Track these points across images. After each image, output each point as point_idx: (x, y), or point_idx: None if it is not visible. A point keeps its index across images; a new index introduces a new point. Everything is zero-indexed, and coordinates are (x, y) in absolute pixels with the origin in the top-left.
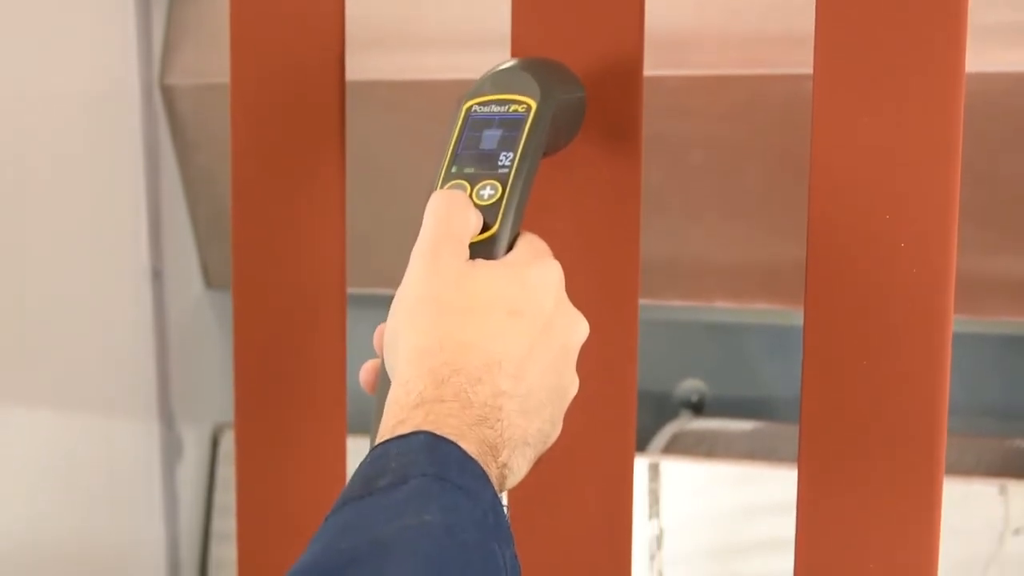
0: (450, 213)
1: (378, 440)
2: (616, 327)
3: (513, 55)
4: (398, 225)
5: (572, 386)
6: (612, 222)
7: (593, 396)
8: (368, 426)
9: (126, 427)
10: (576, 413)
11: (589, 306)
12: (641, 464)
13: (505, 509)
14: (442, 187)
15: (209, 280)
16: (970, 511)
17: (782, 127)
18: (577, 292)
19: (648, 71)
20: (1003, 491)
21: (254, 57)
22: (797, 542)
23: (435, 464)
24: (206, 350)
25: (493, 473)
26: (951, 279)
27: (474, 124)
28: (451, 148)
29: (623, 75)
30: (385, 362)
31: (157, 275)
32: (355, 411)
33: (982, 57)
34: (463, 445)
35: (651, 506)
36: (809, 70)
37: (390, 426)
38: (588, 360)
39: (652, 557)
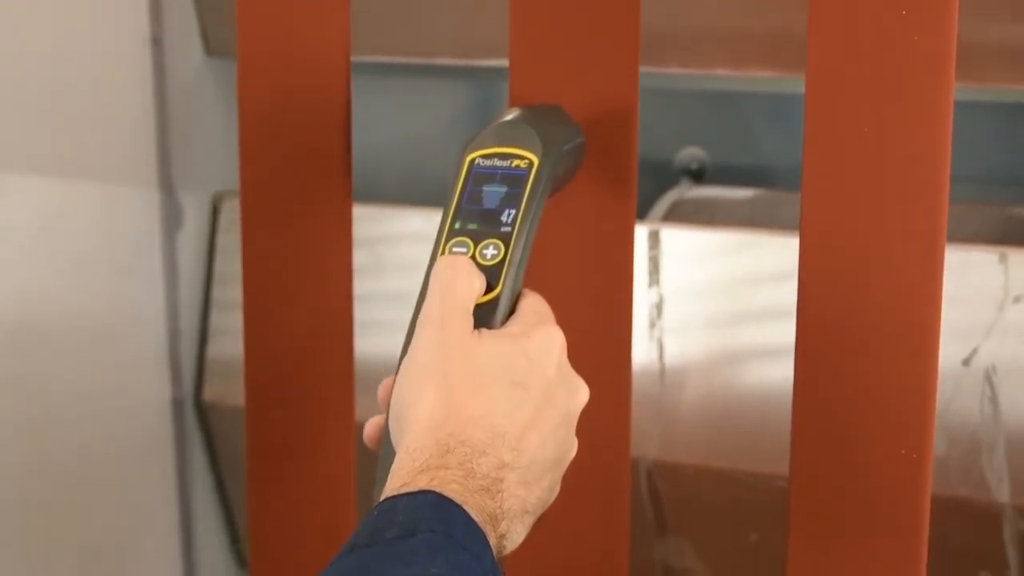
0: (455, 281)
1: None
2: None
3: (511, 97)
4: None
5: (572, 451)
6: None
7: (593, 163)
8: (374, 195)
9: (126, 195)
10: (577, 181)
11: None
12: (641, 232)
13: None
14: (446, 242)
15: (209, 48)
16: (969, 279)
17: None
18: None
19: None
20: (1003, 259)
21: None
22: (799, 306)
23: (442, 522)
24: (206, 118)
25: (492, 542)
26: (952, 44)
27: (477, 178)
28: (455, 201)
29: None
30: (391, 428)
31: (157, 42)
32: (360, 180)
33: None
34: (466, 510)
35: (651, 274)
36: None
37: (394, 488)
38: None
39: (652, 325)
